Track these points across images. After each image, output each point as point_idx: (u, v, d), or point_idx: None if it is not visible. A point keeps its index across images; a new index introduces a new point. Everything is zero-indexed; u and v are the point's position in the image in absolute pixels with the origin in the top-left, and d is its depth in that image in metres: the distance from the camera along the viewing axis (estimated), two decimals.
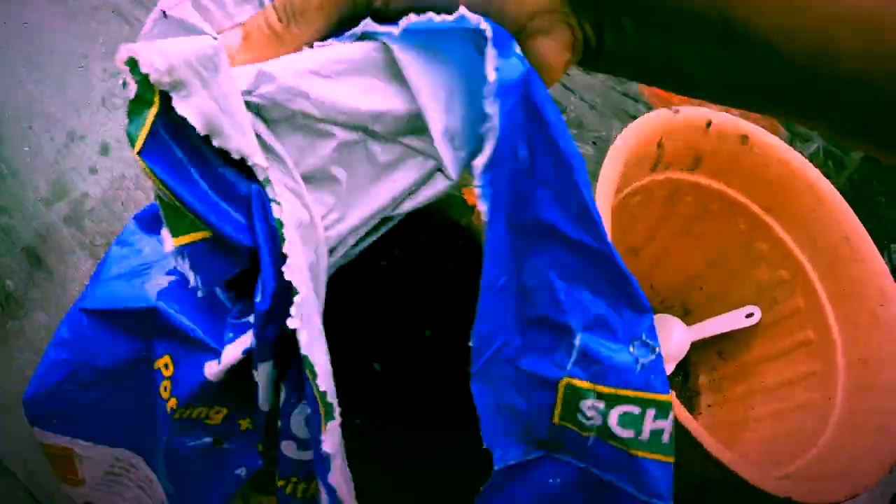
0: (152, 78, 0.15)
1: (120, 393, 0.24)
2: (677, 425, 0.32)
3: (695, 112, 0.44)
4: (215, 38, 0.18)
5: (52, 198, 0.50)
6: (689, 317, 0.54)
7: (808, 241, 0.47)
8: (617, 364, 0.21)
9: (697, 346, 0.53)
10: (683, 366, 0.54)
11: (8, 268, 0.47)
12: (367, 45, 0.19)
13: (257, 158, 0.17)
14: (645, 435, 0.21)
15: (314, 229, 0.19)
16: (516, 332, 0.21)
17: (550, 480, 0.22)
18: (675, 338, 0.52)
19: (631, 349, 0.21)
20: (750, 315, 0.50)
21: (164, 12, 0.18)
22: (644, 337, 0.21)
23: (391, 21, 0.18)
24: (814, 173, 0.45)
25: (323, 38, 0.19)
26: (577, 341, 0.21)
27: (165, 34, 0.18)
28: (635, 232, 0.50)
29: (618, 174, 0.38)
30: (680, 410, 0.35)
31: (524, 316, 0.21)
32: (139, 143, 0.16)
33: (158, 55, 0.15)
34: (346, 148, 0.19)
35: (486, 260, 0.20)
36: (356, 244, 0.21)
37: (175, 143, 0.17)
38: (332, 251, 0.20)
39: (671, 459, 0.21)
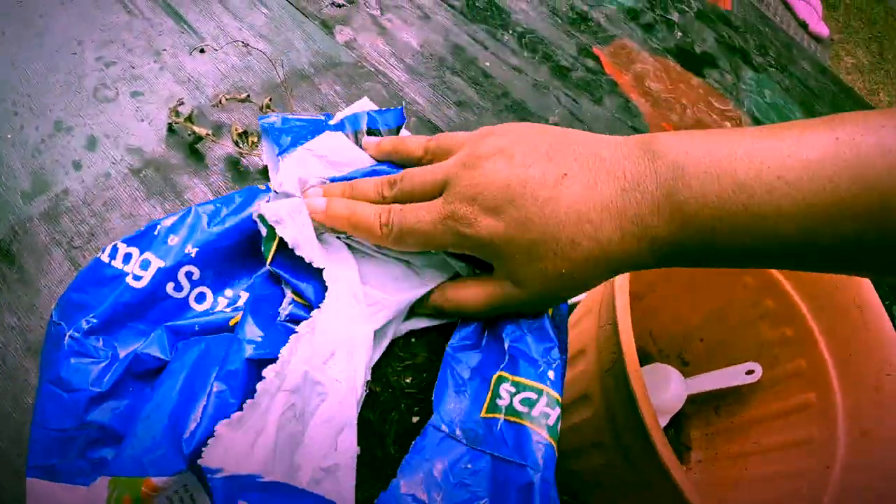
0: (268, 220, 0.33)
1: None
2: (666, 475, 0.34)
3: None
4: (300, 198, 0.35)
5: (32, 191, 0.46)
6: (687, 368, 0.53)
7: (818, 302, 0.45)
8: (528, 365, 0.32)
9: (693, 399, 0.51)
10: (676, 418, 0.52)
11: None
12: None
13: (317, 262, 0.34)
14: (536, 413, 0.30)
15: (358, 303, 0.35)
16: (479, 336, 0.35)
17: (463, 466, 0.30)
18: (671, 389, 0.50)
19: (539, 360, 0.32)
20: (750, 372, 0.49)
21: (275, 191, 0.35)
22: (548, 355, 0.32)
23: None
24: None
25: None
26: (506, 347, 0.33)
27: (278, 198, 0.35)
28: (641, 279, 0.49)
29: None
30: (674, 466, 0.33)
31: (485, 331, 0.35)
32: (269, 259, 0.34)
33: (270, 209, 0.33)
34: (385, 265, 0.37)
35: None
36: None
37: (285, 257, 0.34)
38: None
39: (553, 442, 0.29)
